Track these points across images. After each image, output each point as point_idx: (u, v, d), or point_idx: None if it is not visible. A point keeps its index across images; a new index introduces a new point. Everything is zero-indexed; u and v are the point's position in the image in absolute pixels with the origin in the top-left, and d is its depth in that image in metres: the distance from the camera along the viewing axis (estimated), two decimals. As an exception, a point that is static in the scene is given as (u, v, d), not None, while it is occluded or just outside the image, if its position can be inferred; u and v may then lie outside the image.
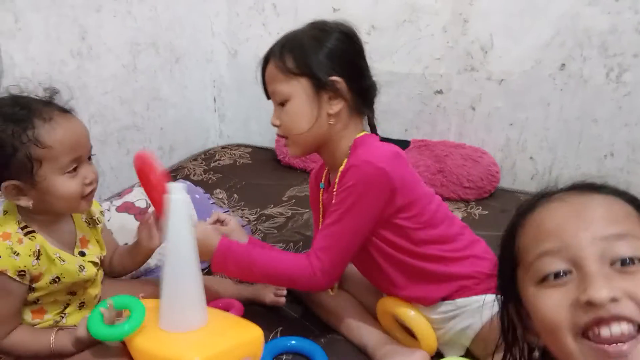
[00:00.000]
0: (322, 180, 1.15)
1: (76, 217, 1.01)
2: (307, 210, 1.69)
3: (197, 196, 1.57)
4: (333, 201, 1.01)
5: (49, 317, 0.97)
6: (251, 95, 2.25)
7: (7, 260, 0.86)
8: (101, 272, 1.04)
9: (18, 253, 0.87)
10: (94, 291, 1.02)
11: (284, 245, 1.48)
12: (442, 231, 1.04)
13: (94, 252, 1.01)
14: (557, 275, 0.53)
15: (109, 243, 1.10)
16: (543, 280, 0.54)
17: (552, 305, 0.53)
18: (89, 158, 0.95)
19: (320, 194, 1.15)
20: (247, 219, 1.62)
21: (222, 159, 2.14)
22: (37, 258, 0.90)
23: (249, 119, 2.31)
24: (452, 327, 1.03)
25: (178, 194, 0.94)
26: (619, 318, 0.49)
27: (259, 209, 1.69)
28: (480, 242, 1.09)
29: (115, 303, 0.92)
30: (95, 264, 1.00)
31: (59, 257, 0.93)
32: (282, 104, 1.03)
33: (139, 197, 1.45)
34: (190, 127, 2.17)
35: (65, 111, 0.92)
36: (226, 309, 1.16)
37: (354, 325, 1.11)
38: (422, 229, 1.02)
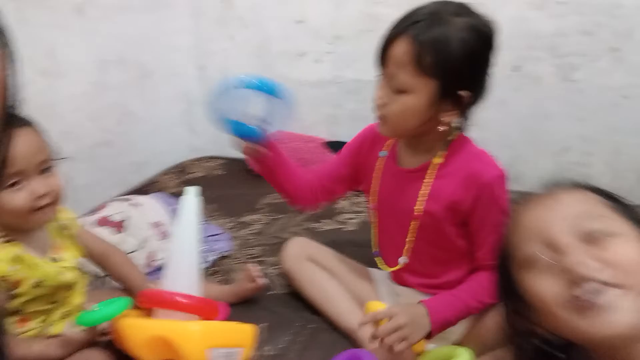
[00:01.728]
0: (385, 148, 1.13)
1: (49, 225, 1.01)
2: (282, 215, 1.73)
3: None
4: (425, 188, 1.02)
5: (33, 326, 0.98)
6: (221, 108, 2.28)
7: None
8: (84, 280, 1.06)
9: None
10: (78, 299, 1.04)
11: (263, 247, 1.53)
12: None
13: (68, 257, 1.02)
14: (544, 262, 0.61)
15: (92, 244, 1.10)
16: (535, 269, 0.63)
17: (548, 288, 0.61)
18: (45, 170, 0.93)
19: (382, 162, 1.13)
20: (224, 228, 1.65)
21: (195, 171, 2.16)
22: (16, 264, 0.92)
23: (219, 132, 2.32)
24: None
25: (192, 195, 1.05)
26: (605, 284, 0.58)
27: (235, 218, 1.72)
28: None
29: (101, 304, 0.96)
30: (71, 268, 1.01)
31: (36, 263, 0.95)
32: (398, 90, 0.94)
33: (112, 212, 1.46)
34: (161, 141, 2.18)
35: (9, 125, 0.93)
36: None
37: (344, 310, 1.13)
38: None
